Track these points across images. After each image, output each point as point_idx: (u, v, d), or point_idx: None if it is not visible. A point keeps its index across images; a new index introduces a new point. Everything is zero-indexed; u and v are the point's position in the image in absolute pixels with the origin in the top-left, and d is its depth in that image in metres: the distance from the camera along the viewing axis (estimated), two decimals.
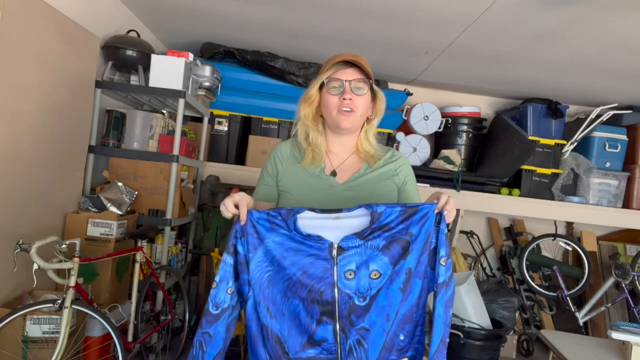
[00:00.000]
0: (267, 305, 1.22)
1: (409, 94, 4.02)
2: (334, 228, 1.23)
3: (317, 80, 1.44)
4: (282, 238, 1.23)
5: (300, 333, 1.21)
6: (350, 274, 1.21)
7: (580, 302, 4.12)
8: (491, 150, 4.11)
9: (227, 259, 1.24)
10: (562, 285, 3.80)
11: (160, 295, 2.99)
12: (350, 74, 1.41)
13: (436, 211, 1.24)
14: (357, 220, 1.24)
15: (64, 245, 2.05)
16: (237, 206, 1.26)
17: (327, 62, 1.46)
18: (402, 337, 1.23)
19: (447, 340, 1.24)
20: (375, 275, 1.21)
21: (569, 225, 4.52)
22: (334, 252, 1.22)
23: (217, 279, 1.24)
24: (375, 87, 1.47)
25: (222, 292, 1.23)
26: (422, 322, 1.25)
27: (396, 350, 1.23)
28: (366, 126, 1.49)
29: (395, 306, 1.22)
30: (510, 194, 3.99)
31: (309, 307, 1.20)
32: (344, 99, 1.39)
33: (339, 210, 1.24)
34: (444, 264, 1.22)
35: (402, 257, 1.22)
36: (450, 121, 4.15)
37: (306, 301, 1.20)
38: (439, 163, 4.01)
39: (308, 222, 1.23)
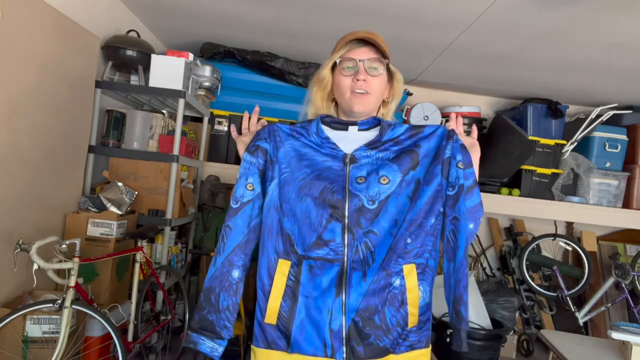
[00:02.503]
0: (282, 202, 1.27)
1: (409, 94, 4.03)
2: (347, 140, 1.31)
3: (329, 60, 1.36)
4: (299, 143, 1.32)
5: (310, 232, 1.23)
6: (360, 179, 1.25)
7: (580, 302, 4.12)
8: (491, 150, 4.11)
9: (247, 157, 1.32)
10: (562, 285, 3.80)
11: (160, 295, 2.99)
12: (364, 53, 1.32)
13: (449, 128, 1.31)
14: (369, 133, 1.32)
15: (64, 245, 2.05)
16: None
17: (340, 41, 1.37)
18: (409, 240, 1.23)
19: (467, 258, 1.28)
20: (384, 180, 1.24)
21: (569, 225, 4.52)
22: (347, 159, 1.28)
23: (237, 175, 1.33)
24: (392, 67, 1.37)
25: (241, 187, 1.31)
26: (432, 233, 1.25)
27: (403, 253, 1.22)
28: (382, 109, 1.41)
29: (404, 213, 1.24)
30: (510, 194, 3.99)
31: (320, 207, 1.23)
32: (357, 80, 1.30)
33: (354, 123, 1.33)
34: (461, 167, 1.25)
35: (410, 167, 1.26)
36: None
37: (318, 200, 1.23)
38: None
39: (325, 132, 1.33)
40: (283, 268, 1.24)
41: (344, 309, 1.20)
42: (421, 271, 1.24)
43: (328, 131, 1.34)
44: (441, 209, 1.26)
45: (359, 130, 1.33)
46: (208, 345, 1.29)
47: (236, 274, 1.29)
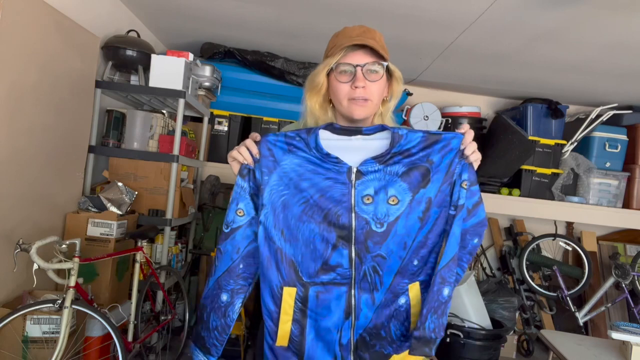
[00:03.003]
0: (281, 229, 1.19)
1: (409, 94, 4.02)
2: (352, 150, 1.20)
3: (323, 65, 1.27)
4: (299, 160, 1.19)
5: (315, 259, 1.18)
6: (368, 199, 1.16)
7: (580, 302, 4.12)
8: (491, 150, 4.11)
9: (239, 181, 1.24)
10: (562, 285, 3.80)
11: (160, 295, 2.99)
12: (361, 57, 1.22)
13: (462, 147, 1.18)
14: (376, 142, 1.20)
15: (64, 245, 2.05)
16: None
17: (334, 41, 1.28)
18: (415, 262, 1.20)
19: (464, 265, 1.24)
20: (393, 201, 1.16)
21: (569, 225, 4.52)
22: (353, 176, 1.17)
23: (230, 200, 1.26)
24: (391, 66, 1.28)
25: (231, 213, 1.24)
26: (437, 250, 1.22)
27: (409, 274, 1.20)
28: (381, 109, 1.33)
29: (413, 235, 1.19)
30: (510, 194, 3.99)
31: (325, 232, 1.17)
32: (356, 87, 1.22)
33: (359, 130, 1.20)
34: (465, 187, 1.17)
35: (421, 185, 1.17)
36: (450, 121, 4.15)
37: (322, 225, 1.17)
38: None
39: (326, 142, 1.19)
40: (289, 295, 1.21)
41: (352, 329, 1.22)
42: (425, 287, 1.23)
43: (329, 140, 1.20)
44: (446, 229, 1.22)
45: (363, 134, 1.21)
46: (200, 359, 1.31)
47: (224, 297, 1.26)
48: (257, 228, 1.23)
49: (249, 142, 1.23)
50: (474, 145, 1.20)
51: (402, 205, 1.17)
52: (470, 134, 1.20)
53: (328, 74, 1.29)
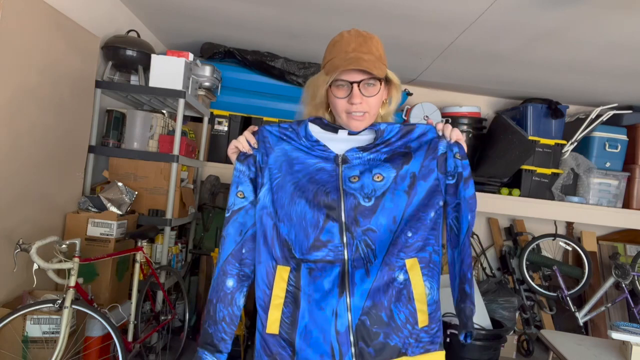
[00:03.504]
0: (276, 208, 1.25)
1: (409, 94, 4.03)
2: (338, 141, 1.29)
3: (321, 82, 1.28)
4: (291, 147, 1.29)
5: (307, 235, 1.21)
6: (354, 178, 1.23)
7: (580, 302, 4.12)
8: (491, 150, 4.11)
9: (238, 166, 1.30)
10: (562, 285, 3.80)
11: (160, 295, 2.99)
12: (357, 75, 1.23)
13: (440, 133, 1.28)
14: (361, 137, 1.30)
15: (64, 245, 2.05)
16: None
17: (331, 54, 1.27)
18: (409, 234, 1.22)
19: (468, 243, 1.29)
20: (378, 177, 1.23)
21: (569, 225, 4.52)
22: (339, 160, 1.26)
23: (230, 185, 1.32)
24: (389, 74, 1.29)
25: (232, 196, 1.30)
26: (433, 227, 1.24)
27: (404, 247, 1.21)
28: (381, 112, 1.34)
29: (402, 209, 1.23)
30: (510, 194, 3.99)
31: (316, 208, 1.21)
32: (352, 104, 1.24)
33: (346, 129, 1.30)
34: (459, 157, 1.25)
35: (404, 162, 1.25)
36: (450, 121, 4.14)
37: (312, 202, 1.21)
38: None
39: (314, 134, 1.30)
40: (282, 274, 1.22)
41: (349, 308, 1.17)
42: (425, 265, 1.22)
43: (318, 132, 1.31)
44: (441, 203, 1.26)
45: (349, 134, 1.30)
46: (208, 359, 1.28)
47: (230, 283, 1.27)
48: (252, 199, 1.30)
49: (247, 133, 1.33)
50: (448, 126, 1.28)
51: (387, 181, 1.23)
52: (438, 123, 1.30)
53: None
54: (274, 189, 1.26)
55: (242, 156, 1.31)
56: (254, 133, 1.33)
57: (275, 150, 1.29)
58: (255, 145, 1.31)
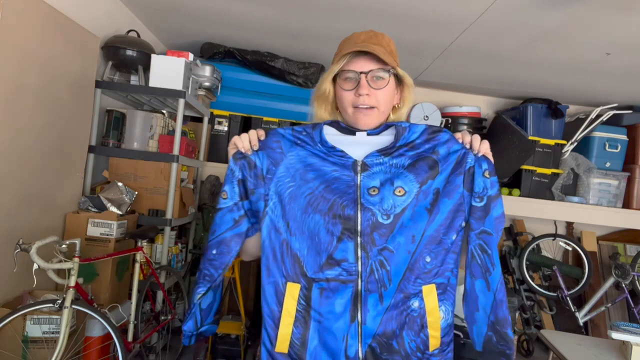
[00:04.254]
0: (287, 221, 1.16)
1: None
2: (356, 145, 1.20)
3: (329, 72, 1.23)
4: (305, 153, 1.20)
5: (320, 252, 1.13)
6: (373, 190, 1.14)
7: (580, 302, 4.12)
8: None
9: (230, 164, 1.22)
10: (562, 285, 3.80)
11: (160, 295, 2.99)
12: (366, 64, 1.18)
13: (467, 146, 1.18)
14: (381, 138, 1.20)
15: (64, 245, 2.05)
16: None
17: (341, 46, 1.24)
18: (428, 259, 1.13)
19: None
20: (399, 192, 1.13)
21: (569, 225, 4.52)
22: (358, 168, 1.16)
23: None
24: (400, 71, 1.24)
25: (220, 192, 1.25)
26: (454, 250, 1.15)
27: (422, 274, 1.13)
28: (392, 116, 1.27)
29: (422, 227, 1.13)
30: (510, 194, 3.99)
31: (330, 223, 1.13)
32: (359, 95, 1.18)
33: (364, 130, 1.21)
34: (488, 176, 1.15)
35: (429, 176, 1.15)
36: (450, 121, 4.15)
37: (327, 216, 1.13)
38: None
39: (331, 138, 1.20)
40: (293, 292, 1.14)
41: (360, 335, 1.11)
42: (442, 291, 1.15)
43: (334, 135, 1.22)
44: (463, 224, 1.16)
45: (367, 135, 1.21)
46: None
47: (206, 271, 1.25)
48: (237, 215, 1.21)
49: (253, 132, 1.24)
50: (477, 137, 1.18)
51: (408, 197, 1.13)
52: (465, 135, 1.20)
53: (334, 80, 1.25)
54: (286, 200, 1.17)
55: (239, 155, 1.22)
56: (267, 135, 1.24)
57: (287, 157, 1.20)
58: (256, 147, 1.22)
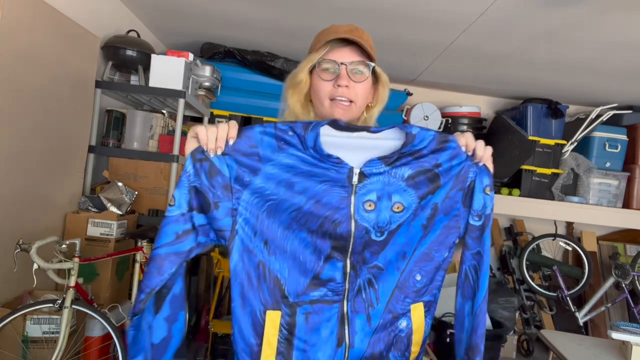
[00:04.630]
0: (265, 239, 1.01)
1: (409, 94, 4.02)
2: (356, 149, 1.05)
3: (306, 61, 1.16)
4: (292, 160, 1.02)
5: (304, 272, 1.02)
6: (369, 205, 1.02)
7: (580, 302, 4.12)
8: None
9: (187, 164, 1.01)
10: (562, 285, 3.80)
11: None
12: (347, 55, 1.12)
13: (469, 152, 1.08)
14: (385, 142, 1.06)
15: (64, 245, 2.05)
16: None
17: (320, 36, 1.16)
18: (418, 278, 1.06)
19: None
20: (398, 208, 1.03)
21: (569, 225, 4.52)
22: (354, 178, 1.02)
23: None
24: (377, 68, 1.17)
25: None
26: (444, 267, 1.09)
27: (412, 292, 1.06)
28: (365, 115, 1.21)
29: (414, 244, 1.06)
30: (510, 194, 3.99)
31: (319, 241, 1.01)
32: (338, 86, 1.11)
33: (367, 128, 1.06)
34: (488, 193, 1.06)
35: (430, 190, 1.05)
36: (450, 121, 4.15)
37: (316, 235, 1.01)
38: None
39: (326, 139, 1.03)
40: (273, 320, 1.02)
41: (346, 359, 1.04)
42: (428, 309, 1.10)
43: (330, 136, 1.05)
44: (456, 241, 1.09)
45: (369, 132, 1.07)
46: None
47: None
48: (181, 229, 1.02)
49: (222, 128, 1.01)
50: (481, 142, 1.09)
51: (406, 213, 1.04)
52: (469, 139, 1.10)
53: (310, 71, 1.16)
54: (263, 215, 1.01)
55: (199, 154, 0.99)
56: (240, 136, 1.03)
57: (267, 165, 1.01)
58: (221, 150, 1.00)
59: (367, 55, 1.13)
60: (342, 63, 1.11)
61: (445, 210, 1.07)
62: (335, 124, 1.05)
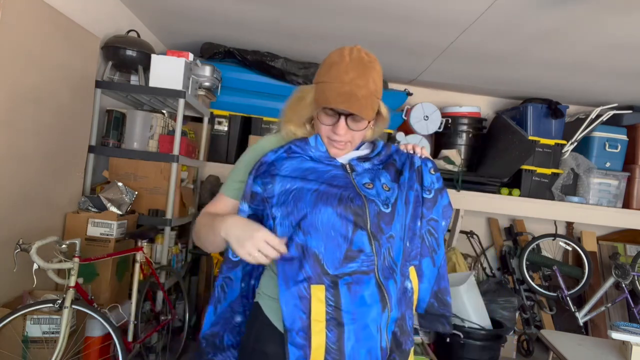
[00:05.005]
0: (298, 223, 1.16)
1: (409, 94, 4.02)
2: (341, 157, 1.30)
3: (309, 102, 1.25)
4: (298, 161, 1.24)
5: (338, 246, 1.14)
6: (368, 185, 1.24)
7: (580, 302, 4.12)
8: (491, 150, 4.11)
9: (244, 207, 1.21)
10: (562, 285, 3.80)
11: (160, 295, 2.99)
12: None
13: (411, 152, 1.37)
14: (359, 152, 1.33)
15: (64, 245, 2.05)
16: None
17: (325, 77, 1.21)
18: (407, 244, 1.27)
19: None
20: (385, 187, 1.25)
21: (569, 225, 4.52)
22: (348, 168, 1.26)
23: None
24: (380, 106, 1.27)
25: None
26: (419, 235, 1.31)
27: (408, 257, 1.27)
28: (366, 135, 1.33)
29: (404, 217, 1.26)
30: (510, 194, 3.99)
31: (342, 215, 1.15)
32: (336, 133, 1.21)
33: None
34: (433, 173, 1.34)
35: (397, 177, 1.30)
36: (450, 121, 4.15)
37: (339, 208, 1.16)
38: (439, 163, 4.01)
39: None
40: (318, 294, 1.12)
41: (388, 322, 1.17)
42: (418, 273, 1.31)
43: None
44: (420, 212, 1.31)
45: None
46: None
47: (239, 318, 1.32)
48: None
49: (268, 249, 1.11)
50: (417, 145, 1.37)
51: (393, 192, 1.26)
52: (407, 145, 1.38)
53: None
54: (292, 204, 1.17)
55: (249, 193, 1.22)
56: (263, 164, 1.22)
57: (281, 170, 1.21)
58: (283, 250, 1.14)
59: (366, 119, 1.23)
60: (341, 113, 1.20)
61: (410, 188, 1.29)
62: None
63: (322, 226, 1.15)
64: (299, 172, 1.21)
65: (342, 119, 1.20)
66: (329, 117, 1.21)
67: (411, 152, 1.36)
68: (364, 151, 1.33)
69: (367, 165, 1.29)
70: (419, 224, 1.29)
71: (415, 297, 1.29)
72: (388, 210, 1.21)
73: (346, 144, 1.25)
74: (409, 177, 1.30)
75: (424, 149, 1.37)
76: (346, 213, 1.16)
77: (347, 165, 1.26)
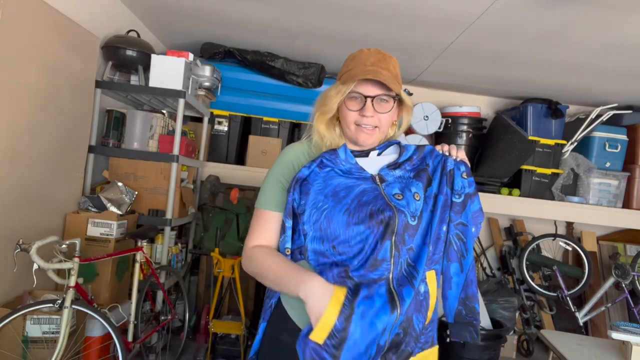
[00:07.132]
0: (331, 244, 1.22)
1: (409, 94, 4.03)
2: (369, 166, 1.32)
3: (336, 91, 1.30)
4: (329, 174, 1.27)
5: (366, 258, 1.20)
6: (398, 196, 1.25)
7: (580, 302, 4.12)
8: (491, 150, 4.11)
9: (288, 224, 1.28)
10: (562, 285, 3.80)
11: (160, 295, 2.99)
12: (372, 89, 1.27)
13: (447, 154, 1.35)
14: (386, 157, 1.35)
15: (64, 245, 2.05)
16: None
17: (348, 67, 1.30)
18: (431, 249, 1.27)
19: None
20: (417, 196, 1.26)
21: (569, 225, 4.52)
22: (377, 179, 1.28)
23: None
24: (403, 95, 1.32)
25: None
26: (443, 239, 1.30)
27: (429, 261, 1.27)
28: (390, 133, 1.38)
29: (431, 227, 1.27)
30: (510, 194, 3.99)
31: (374, 231, 1.20)
32: (364, 116, 1.27)
33: (373, 149, 1.35)
34: (465, 177, 1.32)
35: (427, 184, 1.30)
36: (450, 121, 4.15)
37: (370, 224, 1.20)
38: None
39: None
40: (339, 296, 1.16)
41: (393, 326, 1.18)
42: (439, 277, 1.31)
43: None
44: (447, 216, 1.30)
45: (378, 155, 1.35)
46: None
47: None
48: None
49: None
50: (454, 146, 1.36)
51: (422, 201, 1.27)
52: (444, 146, 1.38)
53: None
54: (324, 222, 1.23)
55: (289, 209, 1.27)
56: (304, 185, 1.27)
57: (314, 184, 1.26)
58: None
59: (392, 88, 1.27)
60: (367, 96, 1.27)
61: (440, 192, 1.30)
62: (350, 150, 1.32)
63: (355, 243, 1.21)
64: (331, 189, 1.25)
65: (369, 100, 1.26)
66: (356, 102, 1.28)
67: (447, 153, 1.35)
68: (392, 155, 1.34)
69: (398, 172, 1.30)
70: (444, 228, 1.29)
71: (431, 301, 1.28)
72: (414, 223, 1.24)
73: (374, 129, 1.29)
74: (439, 185, 1.30)
75: (460, 151, 1.36)
76: (377, 227, 1.20)
77: (377, 177, 1.28)
